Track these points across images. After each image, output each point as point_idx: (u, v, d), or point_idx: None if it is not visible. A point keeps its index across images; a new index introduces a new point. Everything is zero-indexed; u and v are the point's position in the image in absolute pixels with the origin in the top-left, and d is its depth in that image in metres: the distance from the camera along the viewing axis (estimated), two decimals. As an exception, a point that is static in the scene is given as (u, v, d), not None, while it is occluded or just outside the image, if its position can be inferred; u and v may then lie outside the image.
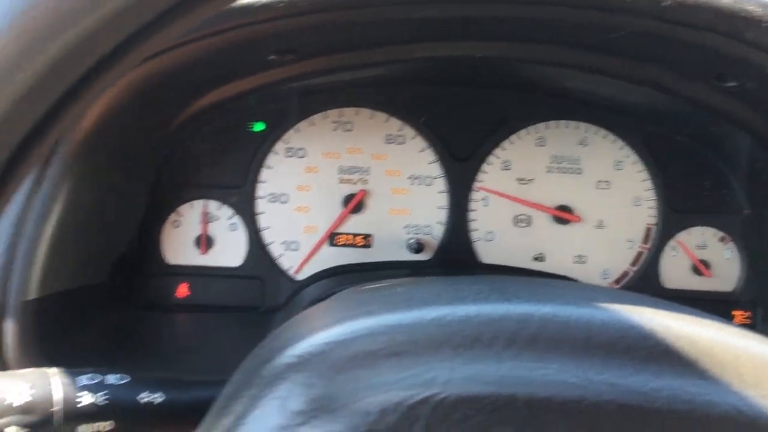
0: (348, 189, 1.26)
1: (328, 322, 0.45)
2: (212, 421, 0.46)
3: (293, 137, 1.25)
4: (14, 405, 0.61)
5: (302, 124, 1.25)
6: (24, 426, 0.60)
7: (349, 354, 0.42)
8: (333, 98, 1.24)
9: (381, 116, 1.26)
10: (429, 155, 1.26)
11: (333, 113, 1.25)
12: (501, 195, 1.27)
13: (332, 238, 1.26)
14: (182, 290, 1.23)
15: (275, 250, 1.25)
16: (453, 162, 1.26)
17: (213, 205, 1.24)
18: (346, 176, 1.26)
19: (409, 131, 1.26)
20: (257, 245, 1.24)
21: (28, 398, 0.61)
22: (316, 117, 1.25)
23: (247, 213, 1.24)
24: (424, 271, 1.24)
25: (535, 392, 0.40)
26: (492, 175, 1.27)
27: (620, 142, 1.28)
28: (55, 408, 0.62)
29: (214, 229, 1.24)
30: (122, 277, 1.16)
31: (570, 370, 0.41)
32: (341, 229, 1.26)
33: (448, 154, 1.26)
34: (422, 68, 1.22)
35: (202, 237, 1.24)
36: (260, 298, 1.24)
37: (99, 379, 0.65)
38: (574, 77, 1.18)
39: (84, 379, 0.64)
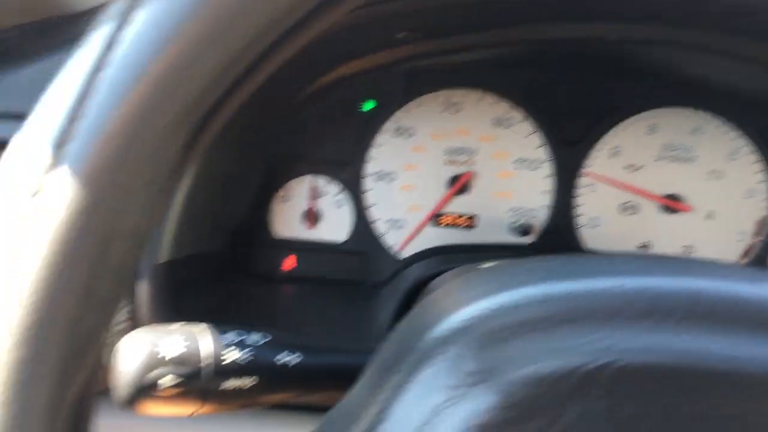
0: (454, 170, 1.26)
1: (495, 287, 0.46)
2: (376, 379, 0.47)
3: (402, 117, 1.26)
4: (167, 358, 0.65)
5: (411, 104, 1.26)
6: (177, 376, 0.64)
7: (522, 319, 0.43)
8: (442, 79, 1.25)
9: (490, 98, 1.26)
10: (537, 139, 1.26)
11: (442, 94, 1.26)
12: (609, 181, 1.26)
13: (436, 217, 1.27)
14: (289, 262, 1.27)
15: (380, 227, 1.27)
16: (561, 146, 1.25)
17: (321, 181, 1.27)
18: (453, 157, 1.26)
19: (517, 114, 1.26)
20: (363, 222, 1.27)
21: (182, 350, 0.64)
22: (426, 97, 1.26)
23: (355, 190, 1.26)
24: (529, 255, 1.23)
25: (716, 365, 0.40)
26: (600, 161, 1.26)
27: (735, 132, 1.24)
28: (205, 363, 0.65)
29: (321, 205, 1.27)
30: (235, 246, 1.20)
31: (749, 346, 0.41)
32: (446, 210, 1.27)
33: (557, 138, 1.25)
34: (534, 51, 1.21)
35: (310, 212, 1.27)
36: (364, 273, 1.27)
37: (243, 337, 0.68)
38: (692, 62, 1.15)
39: (230, 336, 0.67)
